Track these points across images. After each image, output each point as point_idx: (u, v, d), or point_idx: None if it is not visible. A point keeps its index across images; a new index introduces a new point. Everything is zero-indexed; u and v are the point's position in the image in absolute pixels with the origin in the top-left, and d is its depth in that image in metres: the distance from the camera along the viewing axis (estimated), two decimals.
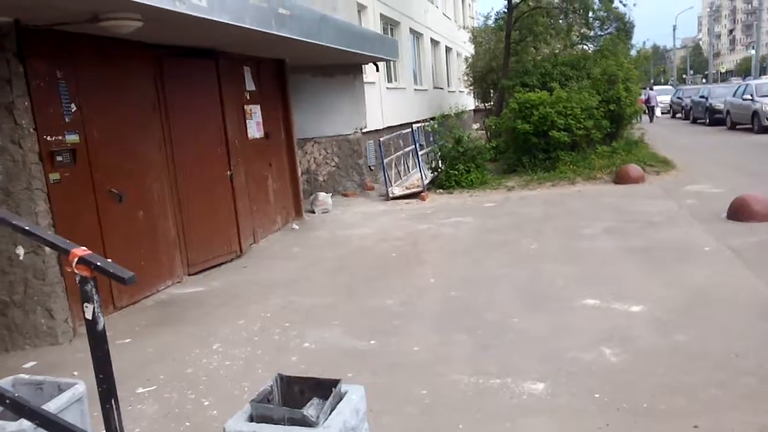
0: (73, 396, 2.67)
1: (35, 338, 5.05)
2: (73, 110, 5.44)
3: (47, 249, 4.95)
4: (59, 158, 5.28)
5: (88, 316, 1.82)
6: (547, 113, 12.52)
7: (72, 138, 5.43)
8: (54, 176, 5.19)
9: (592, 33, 18.91)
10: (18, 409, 1.88)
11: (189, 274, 7.04)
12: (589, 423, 3.32)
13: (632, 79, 14.19)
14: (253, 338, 5.01)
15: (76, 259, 1.82)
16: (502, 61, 18.01)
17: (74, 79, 5.45)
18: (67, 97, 5.38)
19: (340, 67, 11.82)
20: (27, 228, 1.95)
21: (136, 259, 6.08)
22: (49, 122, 5.16)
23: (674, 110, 30.82)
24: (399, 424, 3.48)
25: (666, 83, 68.38)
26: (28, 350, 5.03)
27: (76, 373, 4.38)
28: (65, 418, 2.27)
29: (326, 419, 2.42)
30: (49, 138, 5.15)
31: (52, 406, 2.49)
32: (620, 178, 11.38)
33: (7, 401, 1.84)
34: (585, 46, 18.96)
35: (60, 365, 4.63)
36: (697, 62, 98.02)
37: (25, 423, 2.33)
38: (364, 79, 12.56)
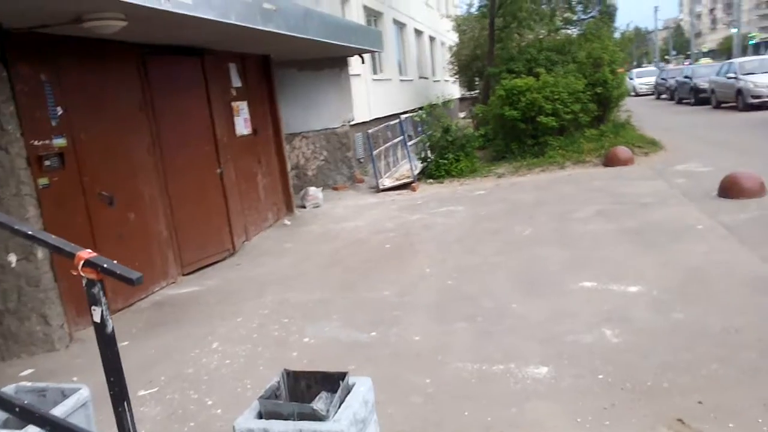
0: (78, 401, 2.64)
1: (31, 345, 5.00)
2: (59, 114, 5.36)
3: (40, 255, 4.90)
4: (47, 162, 5.21)
5: (97, 319, 1.79)
6: (534, 99, 12.51)
7: (59, 142, 5.36)
8: (43, 181, 5.13)
9: (575, 17, 18.89)
10: (27, 416, 1.85)
11: (183, 274, 7.00)
12: (595, 403, 3.34)
13: (617, 61, 14.20)
14: (252, 335, 4.98)
15: (81, 262, 1.78)
16: (487, 48, 17.96)
17: (59, 82, 5.38)
18: (53, 100, 5.30)
19: (326, 61, 11.74)
20: (30, 233, 1.91)
21: (129, 262, 6.02)
22: (35, 126, 5.09)
23: (659, 91, 30.82)
24: (405, 413, 3.48)
25: (650, 64, 68.52)
26: (24, 358, 4.98)
27: (75, 378, 4.34)
28: None
29: (336, 412, 2.40)
30: (36, 142, 5.08)
31: (58, 412, 2.47)
32: (609, 161, 11.42)
33: (17, 409, 1.81)
34: (569, 31, 18.95)
35: (58, 371, 4.59)
36: (679, 43, 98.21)
37: (31, 429, 2.30)
38: (350, 72, 12.50)
